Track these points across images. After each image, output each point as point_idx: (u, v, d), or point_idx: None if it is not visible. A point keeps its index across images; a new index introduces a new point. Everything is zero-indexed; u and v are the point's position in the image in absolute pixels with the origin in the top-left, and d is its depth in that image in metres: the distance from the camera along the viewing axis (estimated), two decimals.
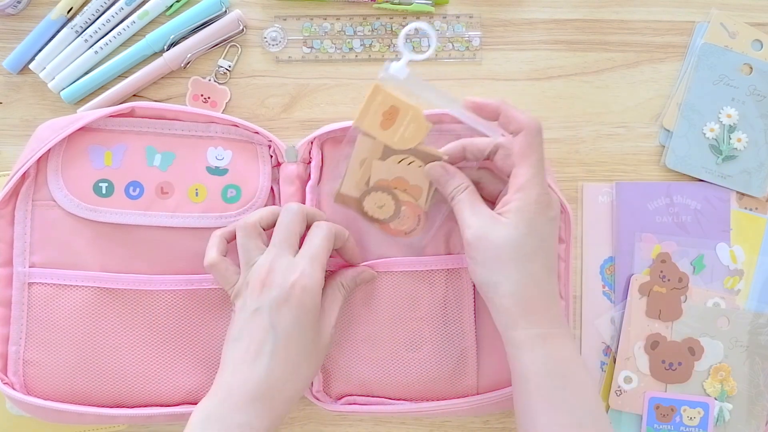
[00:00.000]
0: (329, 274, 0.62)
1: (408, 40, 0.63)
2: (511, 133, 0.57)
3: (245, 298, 0.57)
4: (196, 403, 0.61)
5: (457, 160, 0.61)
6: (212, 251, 0.60)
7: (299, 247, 0.59)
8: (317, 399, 0.65)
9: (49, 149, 0.61)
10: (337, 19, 0.68)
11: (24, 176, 0.62)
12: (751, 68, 0.69)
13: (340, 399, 0.65)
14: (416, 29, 0.61)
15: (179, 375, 0.63)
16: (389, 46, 0.68)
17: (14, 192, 0.62)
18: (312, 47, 0.68)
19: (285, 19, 0.68)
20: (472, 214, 0.57)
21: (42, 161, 0.62)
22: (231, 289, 0.59)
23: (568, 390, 0.54)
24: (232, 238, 0.61)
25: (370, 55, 0.68)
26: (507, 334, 0.56)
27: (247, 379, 0.54)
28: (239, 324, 0.56)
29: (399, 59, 0.56)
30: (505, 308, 0.55)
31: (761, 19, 0.70)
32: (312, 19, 0.68)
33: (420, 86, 0.57)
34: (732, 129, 0.68)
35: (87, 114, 0.62)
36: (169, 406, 0.62)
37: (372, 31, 0.68)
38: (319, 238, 0.58)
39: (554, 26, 0.69)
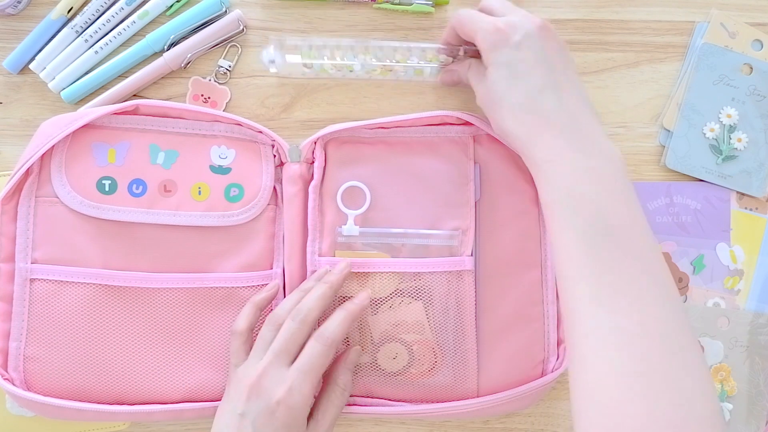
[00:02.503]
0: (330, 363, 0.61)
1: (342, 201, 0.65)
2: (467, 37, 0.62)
3: (238, 392, 0.58)
4: (196, 401, 0.63)
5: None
6: (243, 320, 0.61)
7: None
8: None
9: (53, 146, 0.62)
10: (337, 48, 0.66)
11: (27, 172, 0.62)
12: (751, 68, 0.69)
13: None
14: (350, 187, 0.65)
15: (180, 373, 0.63)
16: (390, 71, 0.67)
17: (17, 188, 0.62)
18: (312, 68, 0.67)
19: (282, 37, 0.67)
20: (476, 82, 0.61)
21: (45, 158, 0.62)
22: (236, 365, 0.60)
23: (579, 213, 0.53)
24: (265, 305, 0.63)
25: (371, 76, 0.68)
26: (530, 163, 0.57)
27: None
28: (225, 419, 0.58)
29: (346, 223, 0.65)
30: (520, 142, 0.57)
31: (761, 19, 0.70)
32: (311, 49, 0.65)
33: (372, 235, 0.64)
34: (732, 129, 0.69)
35: (91, 111, 0.63)
36: (169, 403, 0.63)
37: (373, 58, 0.66)
38: (316, 351, 0.58)
39: (554, 26, 0.69)
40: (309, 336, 0.59)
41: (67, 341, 0.61)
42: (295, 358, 0.58)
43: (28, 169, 0.62)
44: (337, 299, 0.63)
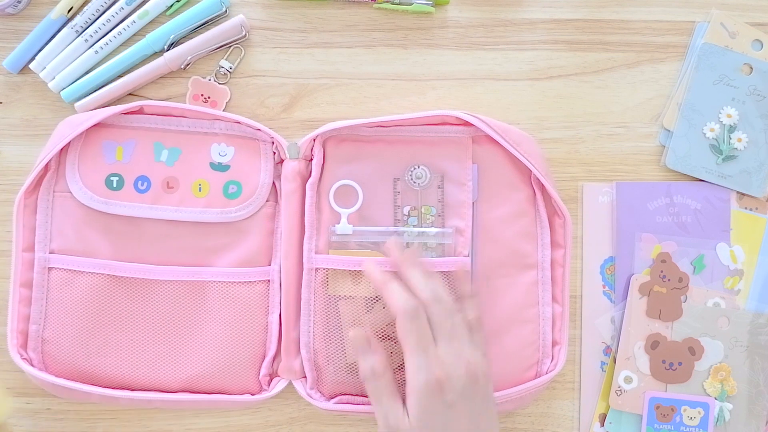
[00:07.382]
0: None
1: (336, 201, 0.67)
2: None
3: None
4: (194, 392, 0.65)
5: None
6: (372, 358, 0.61)
7: None
8: (310, 397, 0.66)
9: (69, 143, 0.65)
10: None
11: (47, 168, 0.66)
12: (751, 68, 0.70)
13: (332, 398, 0.67)
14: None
15: (178, 363, 0.66)
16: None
17: (37, 183, 0.66)
18: None
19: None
20: (381, 409, 0.59)
21: (63, 154, 0.67)
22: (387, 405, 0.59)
23: None
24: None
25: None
26: None
27: None
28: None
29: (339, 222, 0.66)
30: None
31: (761, 19, 0.71)
32: None
33: (366, 234, 0.66)
34: (732, 129, 0.70)
35: (101, 111, 0.66)
36: (168, 392, 0.66)
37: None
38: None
39: (554, 26, 0.71)
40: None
41: (78, 327, 0.65)
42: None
43: (47, 165, 0.66)
44: (330, 300, 0.65)
